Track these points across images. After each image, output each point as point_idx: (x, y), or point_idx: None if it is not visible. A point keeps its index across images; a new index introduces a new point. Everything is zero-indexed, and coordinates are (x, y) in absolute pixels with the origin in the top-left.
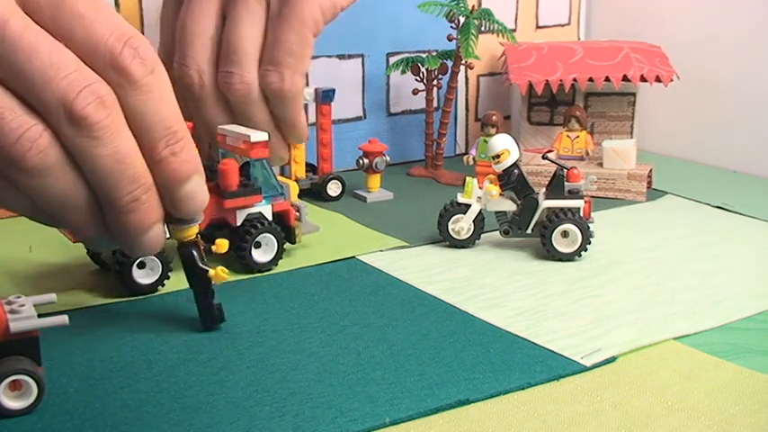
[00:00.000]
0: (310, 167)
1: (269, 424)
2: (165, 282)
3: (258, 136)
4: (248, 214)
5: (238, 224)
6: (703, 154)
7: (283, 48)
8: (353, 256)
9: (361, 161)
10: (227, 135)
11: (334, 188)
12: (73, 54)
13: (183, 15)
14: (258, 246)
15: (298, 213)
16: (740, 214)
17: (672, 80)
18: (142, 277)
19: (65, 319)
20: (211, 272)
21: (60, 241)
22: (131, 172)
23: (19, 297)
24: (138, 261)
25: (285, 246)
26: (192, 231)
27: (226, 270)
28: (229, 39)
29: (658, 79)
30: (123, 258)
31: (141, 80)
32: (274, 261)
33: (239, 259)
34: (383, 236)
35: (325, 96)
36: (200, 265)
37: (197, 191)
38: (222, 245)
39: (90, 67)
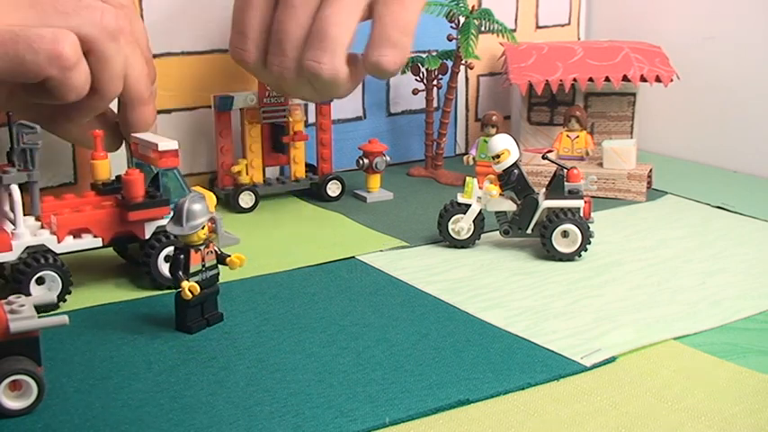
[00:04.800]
0: (310, 167)
1: (269, 424)
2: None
3: (167, 145)
4: (157, 227)
5: (147, 237)
6: (703, 154)
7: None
8: (353, 256)
9: (361, 161)
10: (139, 143)
11: (333, 188)
12: None
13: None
14: (167, 260)
15: (213, 225)
16: (740, 214)
17: (672, 80)
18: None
19: (65, 319)
20: (229, 258)
21: None
22: None
23: (19, 297)
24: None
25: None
26: (199, 235)
27: (242, 257)
28: (327, 28)
29: (658, 79)
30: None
31: None
32: None
33: (146, 275)
34: (383, 236)
35: None
36: (178, 274)
37: None
38: (236, 260)
39: None
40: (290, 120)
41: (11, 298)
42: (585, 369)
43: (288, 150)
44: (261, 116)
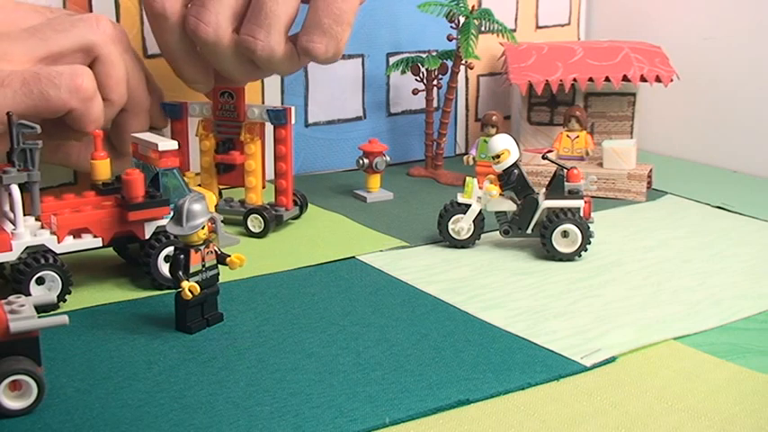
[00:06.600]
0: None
1: (269, 424)
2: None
3: (167, 144)
4: (157, 227)
5: (147, 237)
6: (703, 154)
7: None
8: (353, 256)
9: (361, 161)
10: (138, 143)
11: (256, 223)
12: None
13: None
14: (167, 260)
15: (213, 225)
16: (740, 214)
17: (672, 80)
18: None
19: (65, 319)
20: (229, 258)
21: None
22: None
23: (19, 297)
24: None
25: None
26: (199, 235)
27: (242, 257)
28: (265, 3)
29: (658, 79)
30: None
31: None
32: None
33: (146, 275)
34: (383, 236)
35: (276, 117)
36: (178, 274)
37: None
38: (236, 261)
39: None
40: (243, 138)
41: (11, 298)
42: (585, 369)
43: (228, 172)
44: (215, 129)
